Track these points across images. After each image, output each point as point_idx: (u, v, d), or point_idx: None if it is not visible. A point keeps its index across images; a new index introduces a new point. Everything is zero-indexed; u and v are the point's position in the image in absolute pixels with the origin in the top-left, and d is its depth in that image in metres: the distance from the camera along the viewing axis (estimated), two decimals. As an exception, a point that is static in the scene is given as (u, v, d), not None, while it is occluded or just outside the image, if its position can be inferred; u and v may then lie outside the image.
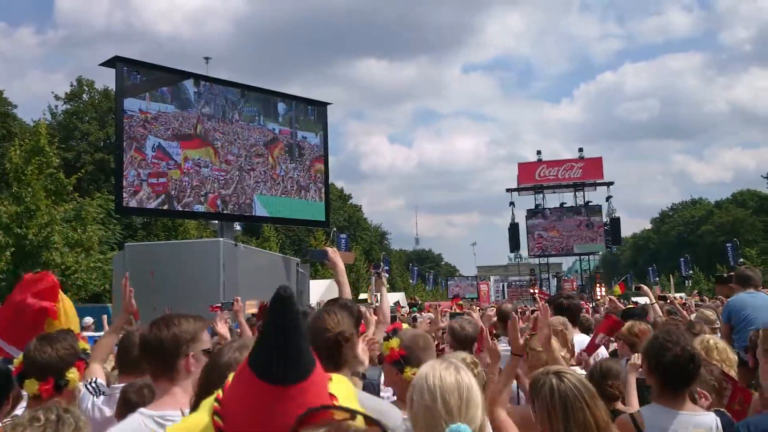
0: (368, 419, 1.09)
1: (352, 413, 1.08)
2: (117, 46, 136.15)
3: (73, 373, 3.05)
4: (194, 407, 1.61)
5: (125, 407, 2.83)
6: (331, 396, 1.18)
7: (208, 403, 1.20)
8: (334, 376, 1.28)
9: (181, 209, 12.20)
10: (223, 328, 4.50)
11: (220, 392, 1.19)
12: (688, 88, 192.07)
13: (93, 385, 3.26)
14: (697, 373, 3.06)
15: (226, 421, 1.15)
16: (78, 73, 74.10)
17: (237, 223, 13.80)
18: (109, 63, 12.38)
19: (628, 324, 5.27)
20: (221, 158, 12.69)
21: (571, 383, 2.08)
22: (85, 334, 11.57)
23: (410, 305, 22.42)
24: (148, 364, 2.58)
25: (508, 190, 49.89)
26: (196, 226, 31.69)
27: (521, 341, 3.59)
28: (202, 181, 12.42)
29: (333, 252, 4.96)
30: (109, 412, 3.15)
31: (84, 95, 39.79)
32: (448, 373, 2.19)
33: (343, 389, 1.24)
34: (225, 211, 12.83)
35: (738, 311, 6.13)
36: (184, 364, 2.48)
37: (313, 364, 1.14)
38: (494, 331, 7.58)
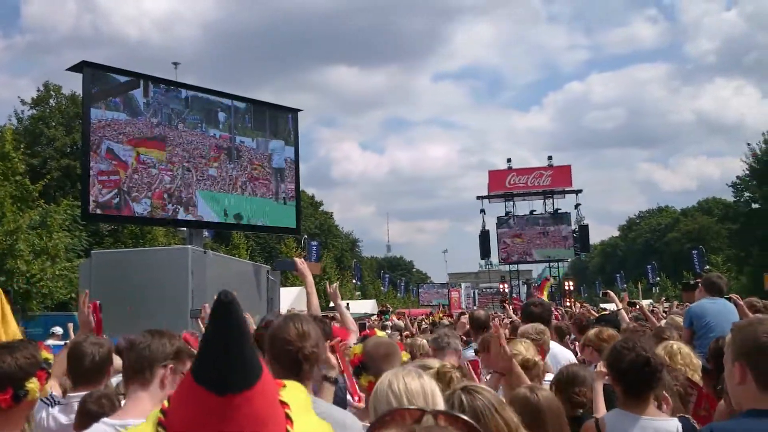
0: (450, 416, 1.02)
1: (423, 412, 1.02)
2: (85, 51, 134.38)
3: (33, 383, 2.99)
4: None
5: (85, 417, 2.80)
6: (283, 404, 1.14)
7: (154, 414, 1.15)
8: (288, 382, 1.24)
9: (133, 204, 12.72)
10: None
11: (165, 403, 1.15)
12: (654, 98, 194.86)
13: (48, 397, 3.23)
14: (655, 377, 3.07)
15: None
16: (45, 77, 73.03)
17: (206, 230, 13.98)
18: (77, 68, 12.24)
19: (595, 330, 5.22)
20: (167, 159, 13.39)
21: (480, 395, 2.11)
22: (51, 342, 11.45)
23: (381, 312, 22.40)
24: (126, 368, 2.65)
25: (478, 197, 50.16)
26: (165, 233, 31.33)
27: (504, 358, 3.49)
28: (150, 179, 13.08)
29: (302, 263, 4.92)
30: (65, 420, 3.15)
31: (51, 100, 39.04)
32: (411, 379, 2.21)
33: (297, 396, 1.21)
34: (169, 204, 13.32)
35: (699, 318, 6.17)
36: (161, 373, 2.53)
37: (260, 371, 1.09)
38: (465, 338, 7.61)
